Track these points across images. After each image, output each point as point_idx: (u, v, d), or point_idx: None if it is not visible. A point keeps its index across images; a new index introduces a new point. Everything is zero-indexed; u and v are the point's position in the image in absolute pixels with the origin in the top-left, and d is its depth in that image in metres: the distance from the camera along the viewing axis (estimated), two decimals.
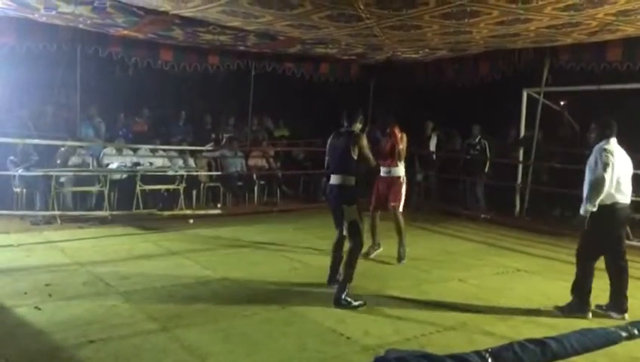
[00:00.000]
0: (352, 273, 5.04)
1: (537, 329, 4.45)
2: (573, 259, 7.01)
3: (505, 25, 6.93)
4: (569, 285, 5.77)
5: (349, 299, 4.93)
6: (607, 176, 4.62)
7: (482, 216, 9.82)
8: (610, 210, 4.75)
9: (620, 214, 4.82)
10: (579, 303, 4.88)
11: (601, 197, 4.68)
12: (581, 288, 4.91)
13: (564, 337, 1.85)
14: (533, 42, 8.42)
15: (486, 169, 10.24)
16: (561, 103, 10.70)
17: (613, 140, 4.82)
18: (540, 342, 1.77)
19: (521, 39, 8.08)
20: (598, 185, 4.63)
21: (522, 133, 10.29)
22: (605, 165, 4.63)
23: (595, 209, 4.71)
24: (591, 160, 4.82)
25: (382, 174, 6.78)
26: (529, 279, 6.16)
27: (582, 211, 4.81)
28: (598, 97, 9.10)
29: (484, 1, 5.83)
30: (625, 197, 4.79)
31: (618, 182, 4.69)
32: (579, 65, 8.74)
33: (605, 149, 4.71)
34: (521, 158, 10.24)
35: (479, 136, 10.33)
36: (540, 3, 5.82)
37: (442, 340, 4.24)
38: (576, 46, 8.51)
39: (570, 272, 6.30)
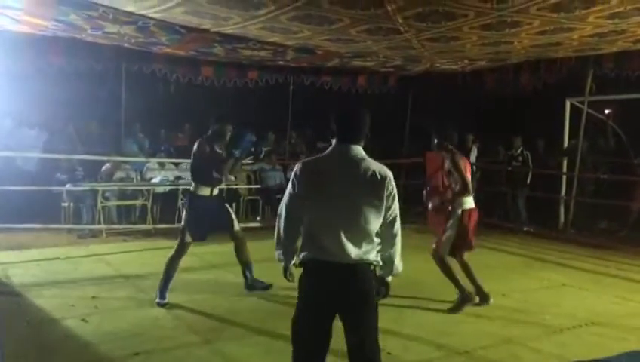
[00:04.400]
0: None
1: (585, 348, 4.33)
2: (621, 273, 6.85)
3: (547, 34, 6.82)
4: (618, 301, 5.63)
5: None
6: None
7: (525, 228, 9.62)
8: None
9: None
10: None
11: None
12: None
13: (615, 359, 1.80)
14: (576, 51, 8.25)
15: (528, 180, 10.06)
16: (606, 112, 10.45)
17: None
18: None
19: (564, 48, 7.93)
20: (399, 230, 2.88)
21: (566, 143, 10.08)
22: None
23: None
24: (374, 184, 2.73)
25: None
26: (575, 294, 5.99)
27: (390, 276, 2.93)
28: None
29: (525, 12, 5.75)
30: None
31: None
32: (624, 73, 8.52)
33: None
34: (564, 169, 10.03)
35: (521, 148, 10.15)
36: (583, 12, 5.71)
37: (486, 357, 4.16)
38: (621, 54, 8.29)
39: (619, 286, 6.18)
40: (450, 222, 5.26)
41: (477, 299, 5.30)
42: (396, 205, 2.80)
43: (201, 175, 5.14)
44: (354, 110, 2.91)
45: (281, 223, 2.83)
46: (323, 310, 2.74)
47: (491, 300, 5.35)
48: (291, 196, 2.79)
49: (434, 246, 5.33)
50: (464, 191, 5.18)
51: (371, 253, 2.73)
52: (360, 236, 2.69)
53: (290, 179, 2.82)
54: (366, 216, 2.69)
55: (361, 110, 2.90)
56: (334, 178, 2.73)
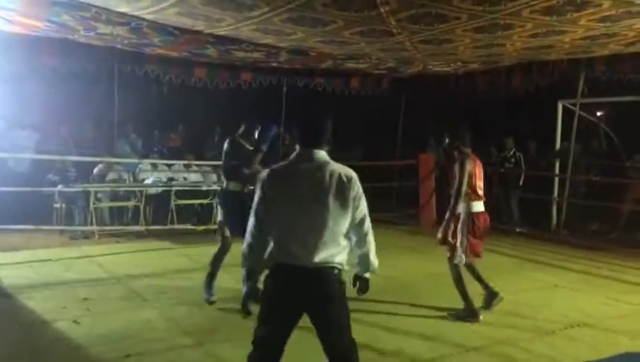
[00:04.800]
0: None
1: (577, 349, 4.35)
2: (612, 274, 6.90)
3: (539, 37, 6.85)
4: (609, 301, 5.66)
5: None
6: None
7: (517, 229, 9.66)
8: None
9: None
10: None
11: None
12: None
13: (607, 361, 1.81)
14: (568, 53, 8.30)
15: (521, 182, 10.10)
16: (598, 114, 10.53)
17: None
18: None
19: (556, 51, 7.97)
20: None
21: (558, 145, 10.14)
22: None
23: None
24: (349, 189, 2.75)
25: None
26: (567, 295, 6.02)
27: (368, 273, 2.95)
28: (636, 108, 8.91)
29: (518, 14, 5.78)
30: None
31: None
32: (616, 75, 8.57)
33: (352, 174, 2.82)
34: (557, 171, 10.09)
35: (513, 149, 10.20)
36: (575, 15, 5.74)
37: (479, 357, 4.17)
38: (613, 56, 8.35)
39: (610, 287, 6.22)
40: (459, 227, 5.06)
41: (481, 318, 5.01)
42: (363, 205, 2.80)
43: (232, 171, 5.32)
44: (314, 115, 2.93)
45: (248, 235, 2.83)
46: (288, 313, 2.77)
47: (501, 295, 5.24)
48: (259, 202, 2.79)
49: (448, 254, 5.11)
50: (456, 194, 4.99)
51: (337, 256, 2.74)
52: (327, 239, 2.70)
53: (259, 187, 2.82)
54: (333, 219, 2.71)
55: (322, 115, 2.92)
56: (300, 183, 2.75)
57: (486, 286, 5.29)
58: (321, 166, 2.77)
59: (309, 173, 2.76)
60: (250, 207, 4.98)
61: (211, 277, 5.39)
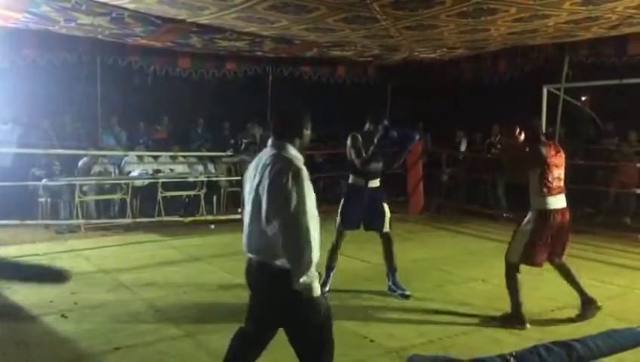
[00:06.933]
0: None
1: (563, 330, 4.40)
2: (599, 257, 6.92)
3: (523, 21, 6.86)
4: (596, 284, 5.72)
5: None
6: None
7: (504, 215, 9.72)
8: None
9: None
10: None
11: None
12: None
13: (590, 339, 1.82)
14: (552, 38, 8.31)
15: None
16: (582, 99, 10.57)
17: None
18: (566, 345, 1.74)
19: (540, 35, 7.98)
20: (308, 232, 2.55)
21: (543, 130, 10.19)
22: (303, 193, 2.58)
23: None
24: (272, 178, 2.59)
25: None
26: (554, 278, 6.00)
27: (306, 283, 2.53)
28: (620, 92, 8.97)
29: None
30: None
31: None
32: (599, 59, 8.60)
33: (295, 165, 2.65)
34: None
35: (499, 135, 10.23)
36: None
37: (467, 342, 4.20)
38: (596, 40, 8.37)
39: (597, 270, 6.27)
40: (524, 222, 4.72)
41: (528, 326, 4.54)
42: (285, 203, 2.52)
43: (354, 167, 5.33)
44: (287, 108, 2.90)
45: None
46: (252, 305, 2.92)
47: (599, 304, 4.79)
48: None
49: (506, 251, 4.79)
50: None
51: (268, 252, 2.63)
52: (258, 232, 2.65)
53: None
54: (265, 213, 2.59)
55: (295, 108, 2.88)
56: (253, 173, 2.74)
57: (581, 293, 4.85)
58: (269, 158, 2.69)
59: (261, 165, 2.71)
60: (373, 205, 5.16)
61: (327, 271, 5.34)
